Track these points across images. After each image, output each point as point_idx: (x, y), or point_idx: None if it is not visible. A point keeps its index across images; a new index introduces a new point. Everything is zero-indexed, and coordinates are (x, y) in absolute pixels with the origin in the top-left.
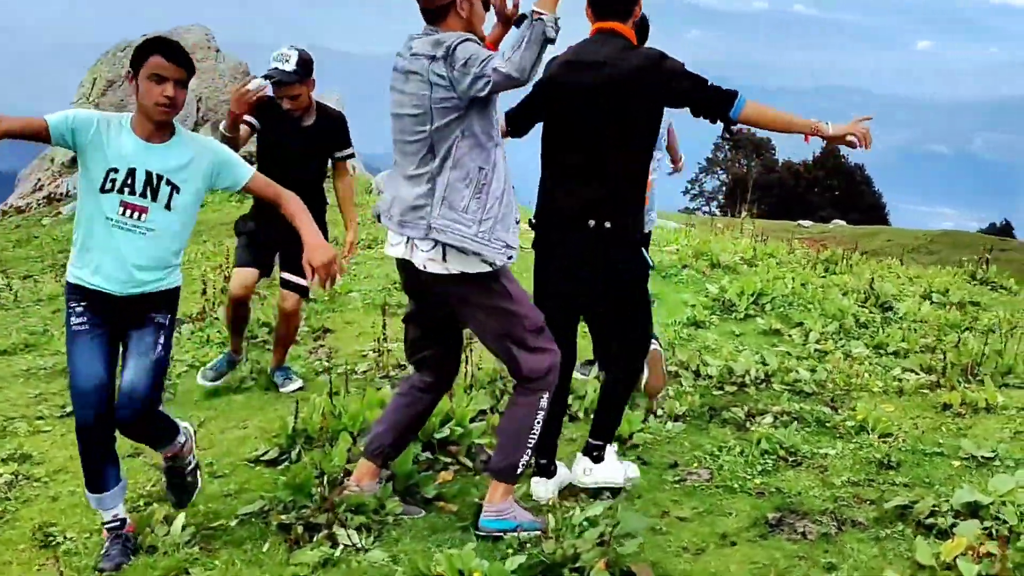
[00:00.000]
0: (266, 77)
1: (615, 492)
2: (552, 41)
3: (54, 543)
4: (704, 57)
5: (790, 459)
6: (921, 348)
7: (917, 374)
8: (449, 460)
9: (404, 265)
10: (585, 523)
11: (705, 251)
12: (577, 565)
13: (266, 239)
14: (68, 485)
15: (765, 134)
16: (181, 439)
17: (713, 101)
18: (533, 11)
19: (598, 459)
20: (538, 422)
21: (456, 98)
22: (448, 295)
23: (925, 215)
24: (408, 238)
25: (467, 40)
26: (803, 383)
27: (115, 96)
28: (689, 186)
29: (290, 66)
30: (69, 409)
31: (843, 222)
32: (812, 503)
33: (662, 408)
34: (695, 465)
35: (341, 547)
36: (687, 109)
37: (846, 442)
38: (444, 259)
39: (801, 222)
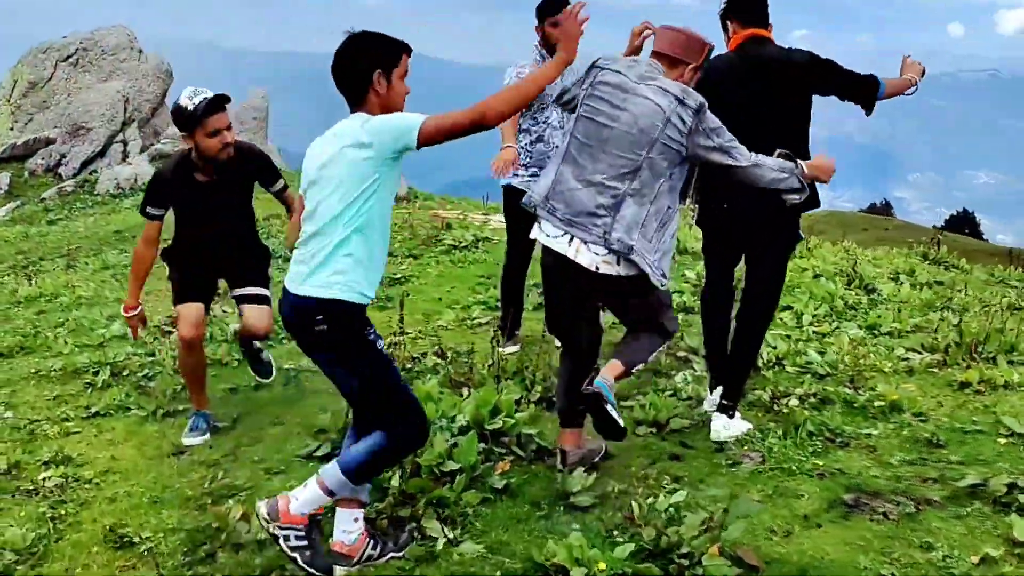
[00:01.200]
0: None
1: (678, 478)
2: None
3: (129, 543)
4: (592, 51)
5: (837, 440)
6: (912, 328)
7: (920, 353)
8: (503, 451)
9: (558, 257)
10: (671, 510)
11: None
12: (684, 551)
13: (203, 271)
14: (121, 486)
15: None
16: None
17: (860, 89)
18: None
19: (732, 415)
20: (652, 357)
21: (683, 145)
22: (610, 289)
23: None
24: (572, 236)
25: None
26: (816, 365)
27: (37, 98)
28: None
29: (210, 93)
30: (95, 410)
31: None
32: (877, 483)
33: (687, 393)
34: (744, 448)
35: (434, 540)
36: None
37: (884, 422)
38: (618, 263)
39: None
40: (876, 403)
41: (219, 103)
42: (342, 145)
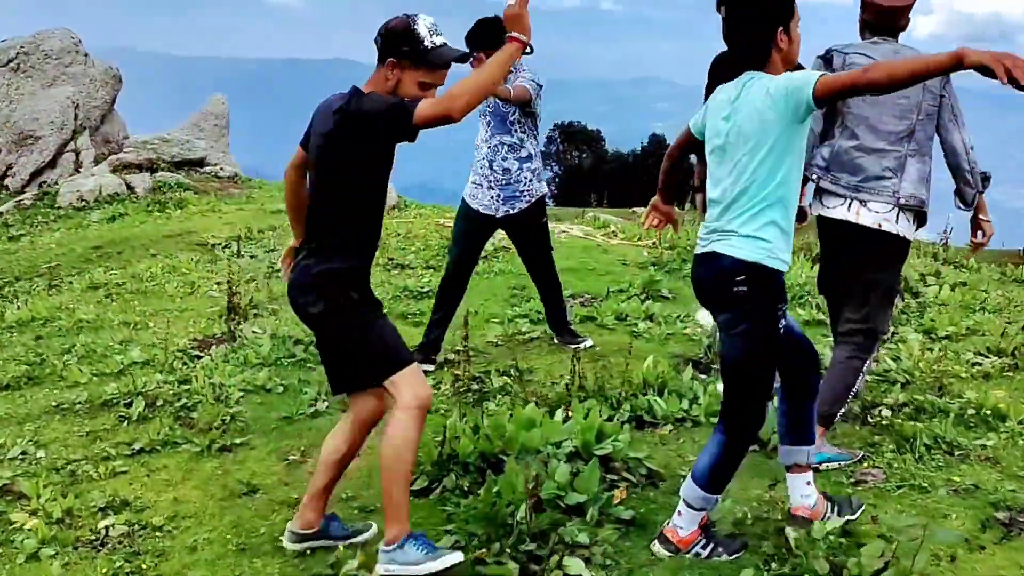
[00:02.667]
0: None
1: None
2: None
3: None
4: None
5: (956, 453)
6: (966, 331)
7: (988, 357)
8: (615, 477)
9: (835, 224)
10: (831, 539)
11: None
12: None
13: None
14: (197, 532)
15: (595, 126)
16: None
17: None
18: None
19: None
20: (858, 382)
21: (940, 97)
22: (876, 251)
23: None
24: (853, 200)
25: None
26: (894, 372)
27: None
28: None
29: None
30: (138, 446)
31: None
32: (1021, 499)
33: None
34: (864, 464)
35: None
36: None
37: (994, 431)
38: (897, 221)
39: (636, 209)
40: (970, 410)
41: (463, 59)
42: (754, 108)
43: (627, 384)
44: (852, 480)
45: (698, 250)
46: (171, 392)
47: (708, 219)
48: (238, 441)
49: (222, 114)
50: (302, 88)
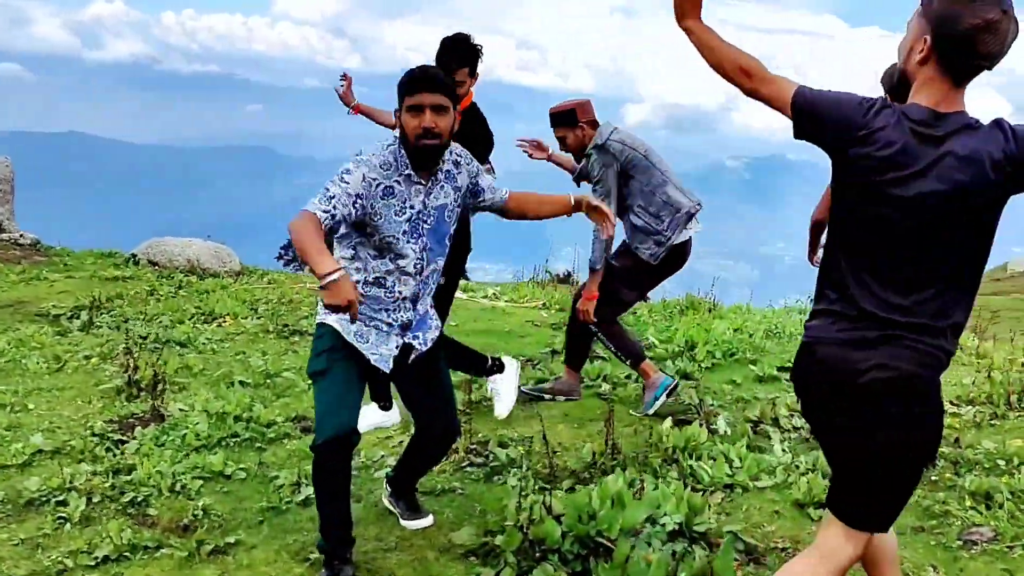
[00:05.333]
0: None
1: (933, 567)
2: None
3: None
4: (262, 128)
5: None
6: None
7: (961, 406)
8: (706, 553)
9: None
10: None
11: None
12: None
13: None
14: None
15: None
16: None
17: None
18: None
19: None
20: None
21: None
22: None
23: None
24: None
25: None
26: None
27: None
28: None
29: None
30: (101, 554)
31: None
32: None
33: (806, 464)
34: (955, 525)
35: None
36: None
37: None
38: None
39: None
40: (1000, 461)
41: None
42: None
43: (654, 448)
44: (959, 543)
45: None
46: (108, 484)
47: None
48: (231, 540)
49: (6, 178)
50: (33, 162)
